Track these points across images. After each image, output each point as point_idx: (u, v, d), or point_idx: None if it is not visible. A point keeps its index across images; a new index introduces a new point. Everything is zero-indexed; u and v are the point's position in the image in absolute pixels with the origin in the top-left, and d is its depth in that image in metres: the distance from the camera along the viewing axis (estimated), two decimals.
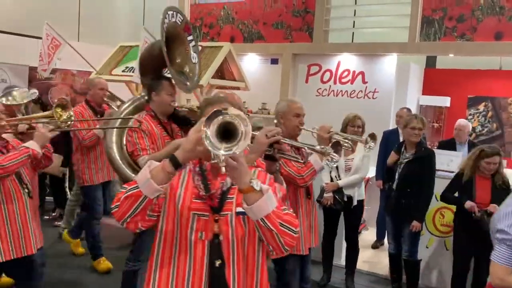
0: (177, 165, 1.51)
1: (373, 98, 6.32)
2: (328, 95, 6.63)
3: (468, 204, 3.60)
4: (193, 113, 3.35)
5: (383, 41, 6.23)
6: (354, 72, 6.47)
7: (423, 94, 7.48)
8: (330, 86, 6.63)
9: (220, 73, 5.87)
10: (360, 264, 4.65)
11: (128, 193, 1.52)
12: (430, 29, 5.82)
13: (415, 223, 3.84)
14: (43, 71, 5.87)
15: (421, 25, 5.86)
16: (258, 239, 1.61)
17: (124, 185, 1.58)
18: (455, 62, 7.25)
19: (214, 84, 5.73)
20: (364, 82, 6.39)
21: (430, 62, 7.72)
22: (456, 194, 3.83)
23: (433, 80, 7.47)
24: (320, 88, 6.69)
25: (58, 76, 6.94)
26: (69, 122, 3.42)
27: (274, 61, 7.19)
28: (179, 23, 3.21)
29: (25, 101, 4.08)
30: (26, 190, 2.88)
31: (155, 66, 3.23)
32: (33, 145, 2.79)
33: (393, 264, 4.25)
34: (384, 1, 6.41)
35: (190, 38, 3.31)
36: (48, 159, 3.11)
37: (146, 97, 3.26)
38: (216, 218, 1.58)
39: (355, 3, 6.78)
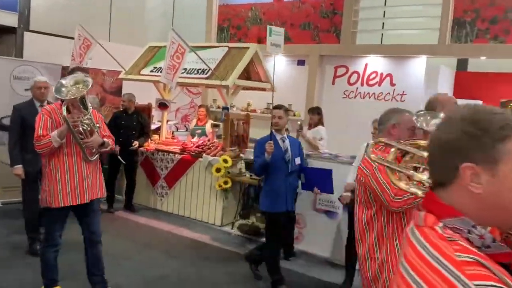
0: None
1: (401, 100, 6.21)
2: (355, 97, 6.56)
3: None
4: None
5: (412, 43, 6.12)
6: (382, 74, 6.38)
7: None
8: (357, 88, 6.56)
9: (247, 74, 5.90)
10: None
11: None
12: (461, 31, 5.68)
13: None
14: None
15: (452, 27, 5.73)
16: None
17: None
18: (488, 65, 7.06)
19: (240, 85, 5.76)
20: (392, 84, 6.30)
21: (462, 65, 7.53)
22: None
23: (465, 83, 7.29)
24: (347, 90, 6.62)
25: (89, 75, 7.13)
26: None
27: (301, 62, 7.16)
28: None
29: None
30: None
31: None
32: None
33: None
34: (415, 2, 6.30)
35: None
36: None
37: None
38: None
39: (385, 4, 6.69)
